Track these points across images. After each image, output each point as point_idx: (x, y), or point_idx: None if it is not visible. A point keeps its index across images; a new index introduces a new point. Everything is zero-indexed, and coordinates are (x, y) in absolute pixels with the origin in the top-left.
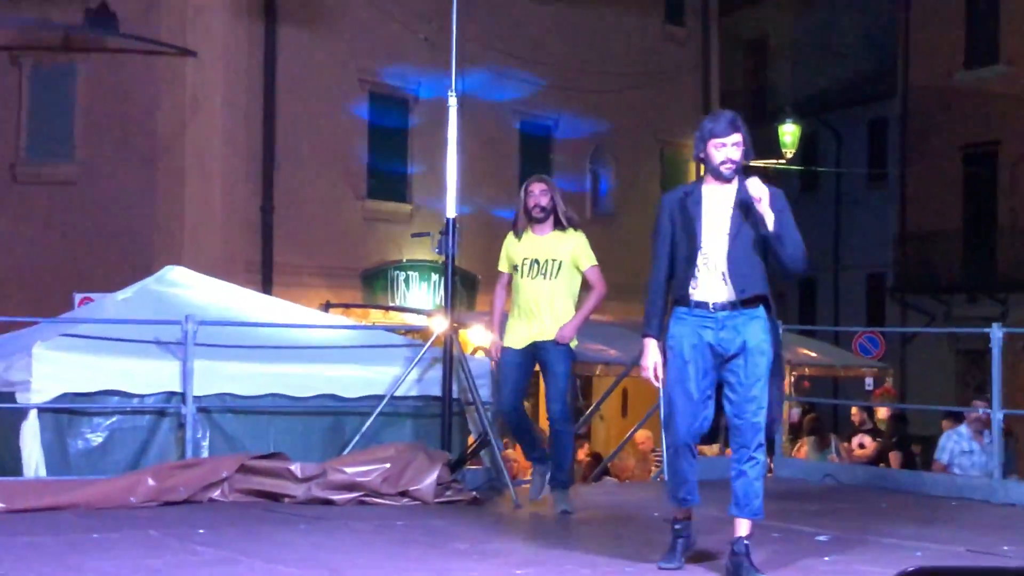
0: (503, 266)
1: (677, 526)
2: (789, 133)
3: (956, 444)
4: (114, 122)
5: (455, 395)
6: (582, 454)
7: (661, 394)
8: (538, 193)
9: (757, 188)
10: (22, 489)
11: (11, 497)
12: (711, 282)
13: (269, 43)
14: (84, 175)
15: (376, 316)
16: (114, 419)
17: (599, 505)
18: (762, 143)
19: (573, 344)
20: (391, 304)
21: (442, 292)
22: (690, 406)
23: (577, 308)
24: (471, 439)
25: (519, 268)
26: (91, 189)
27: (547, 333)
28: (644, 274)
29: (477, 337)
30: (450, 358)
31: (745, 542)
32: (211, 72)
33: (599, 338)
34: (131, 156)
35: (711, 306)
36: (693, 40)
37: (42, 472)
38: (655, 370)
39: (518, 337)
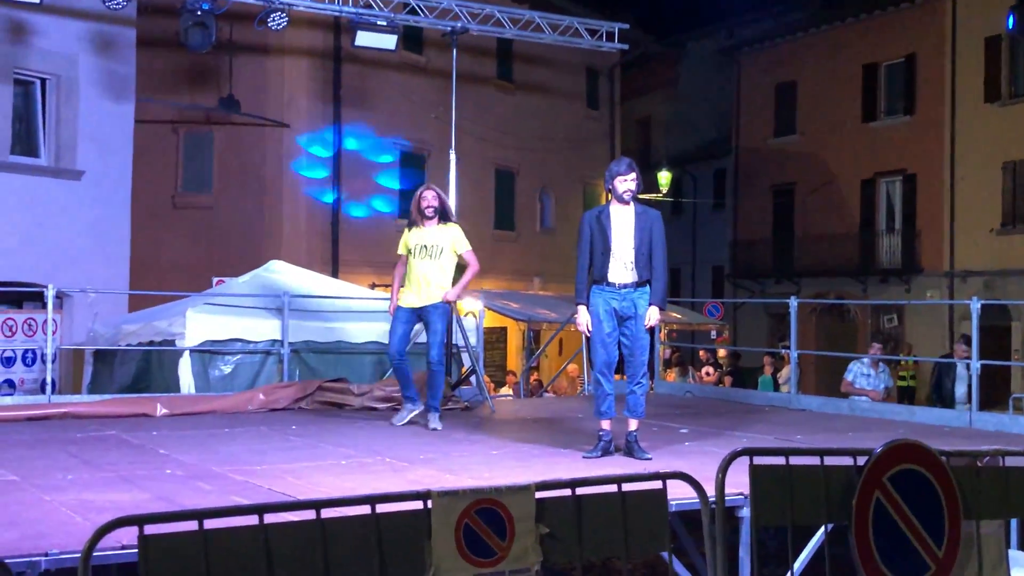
0: (401, 250)
1: (600, 432)
2: (664, 177)
3: (859, 370)
4: (237, 168)
5: (454, 342)
6: (533, 379)
7: (587, 341)
8: (430, 198)
9: (652, 319)
10: (180, 401)
11: (173, 405)
12: (618, 269)
13: (336, 117)
14: (218, 202)
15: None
16: (238, 357)
17: (544, 411)
18: (647, 183)
19: (463, 311)
20: None
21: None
22: (605, 348)
23: (455, 281)
24: (464, 369)
25: (413, 251)
26: (222, 211)
27: (432, 298)
28: (571, 265)
29: (467, 305)
30: (451, 319)
31: (635, 433)
32: (298, 136)
33: (545, 305)
34: (248, 190)
35: (617, 285)
36: (604, 119)
37: (192, 390)
38: (586, 326)
39: (409, 300)
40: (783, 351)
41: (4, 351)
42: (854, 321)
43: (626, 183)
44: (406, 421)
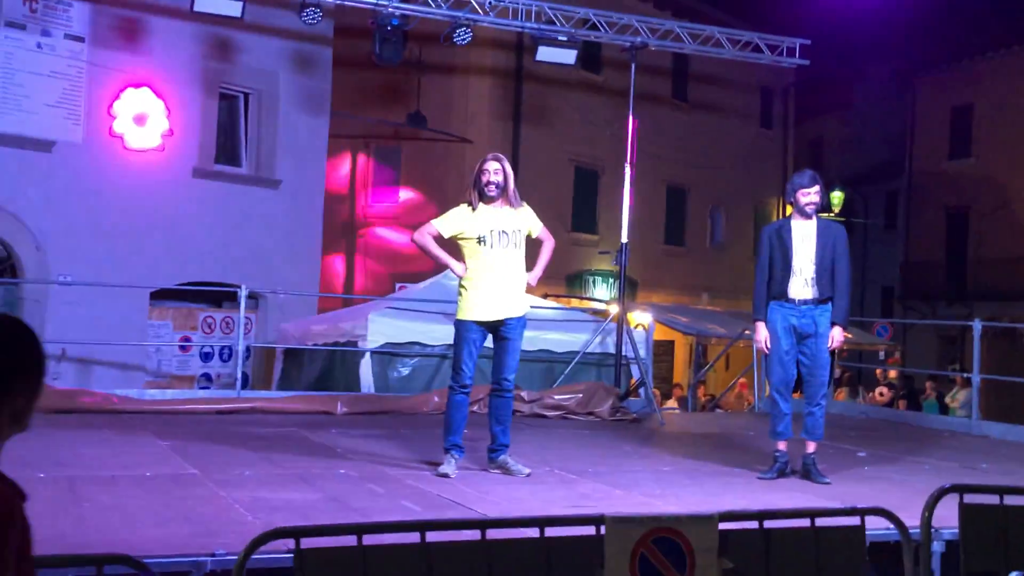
0: (445, 231)
1: (776, 452)
2: (836, 197)
3: None
4: (423, 182)
5: (623, 353)
6: (701, 393)
7: (764, 358)
8: (493, 170)
9: (835, 340)
10: (360, 400)
11: (353, 404)
12: (799, 285)
13: (516, 134)
14: (404, 214)
15: (574, 303)
16: (416, 359)
17: (713, 427)
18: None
19: (633, 322)
20: (583, 295)
21: (616, 289)
22: (783, 366)
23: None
24: (632, 381)
25: (482, 240)
26: (408, 222)
27: (516, 309)
28: (740, 281)
29: (638, 317)
30: (621, 330)
31: (813, 455)
32: (481, 152)
33: (714, 320)
34: (434, 202)
35: (798, 301)
36: (777, 138)
37: (372, 390)
38: (764, 342)
39: (483, 311)
40: (959, 374)
41: (203, 347)
42: None
43: (809, 196)
44: (455, 473)
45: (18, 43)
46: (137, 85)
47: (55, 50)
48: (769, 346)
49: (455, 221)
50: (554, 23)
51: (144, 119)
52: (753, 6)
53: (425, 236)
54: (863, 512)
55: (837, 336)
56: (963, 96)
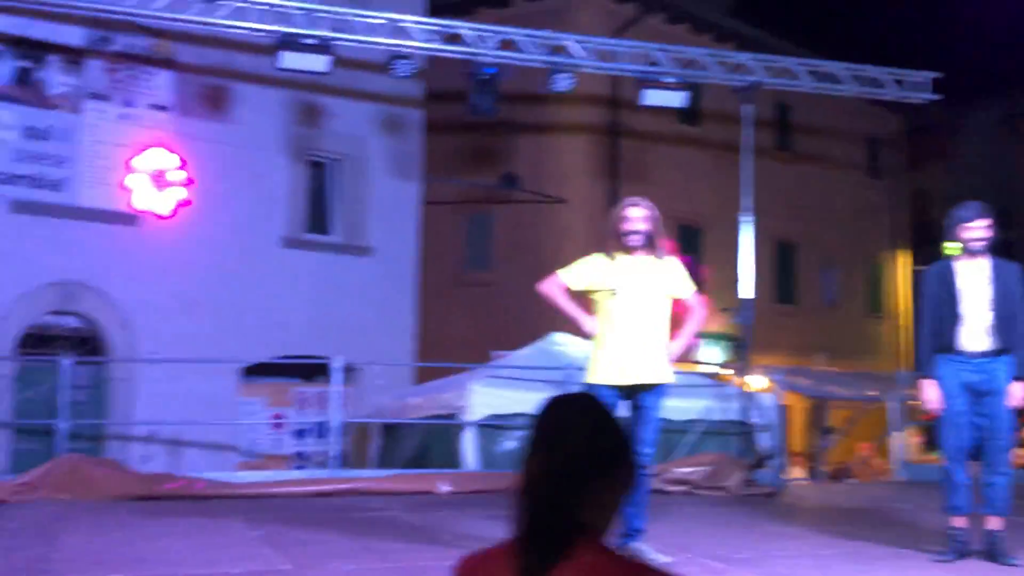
0: (575, 283)
1: (953, 530)
2: (952, 249)
3: None
4: (517, 246)
5: (749, 419)
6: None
7: (936, 421)
8: (638, 217)
9: (1016, 396)
10: (464, 478)
11: (457, 483)
12: (971, 335)
13: (612, 193)
14: (498, 279)
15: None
16: (523, 432)
17: (854, 499)
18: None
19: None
20: (693, 359)
21: (729, 351)
22: (957, 430)
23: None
24: (759, 451)
25: (618, 293)
26: (503, 288)
27: (654, 374)
28: (856, 340)
29: (755, 381)
30: (746, 395)
31: (998, 533)
32: (577, 212)
33: (834, 381)
34: (528, 267)
35: (971, 354)
36: (886, 189)
37: (476, 467)
38: (933, 402)
39: (616, 374)
40: None
41: (297, 424)
42: None
43: (974, 231)
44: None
45: (102, 114)
46: (223, 155)
47: (139, 120)
48: (941, 407)
49: (588, 272)
50: (657, 64)
51: (230, 189)
52: (824, 37)
53: (552, 287)
54: None
55: (1018, 392)
56: None
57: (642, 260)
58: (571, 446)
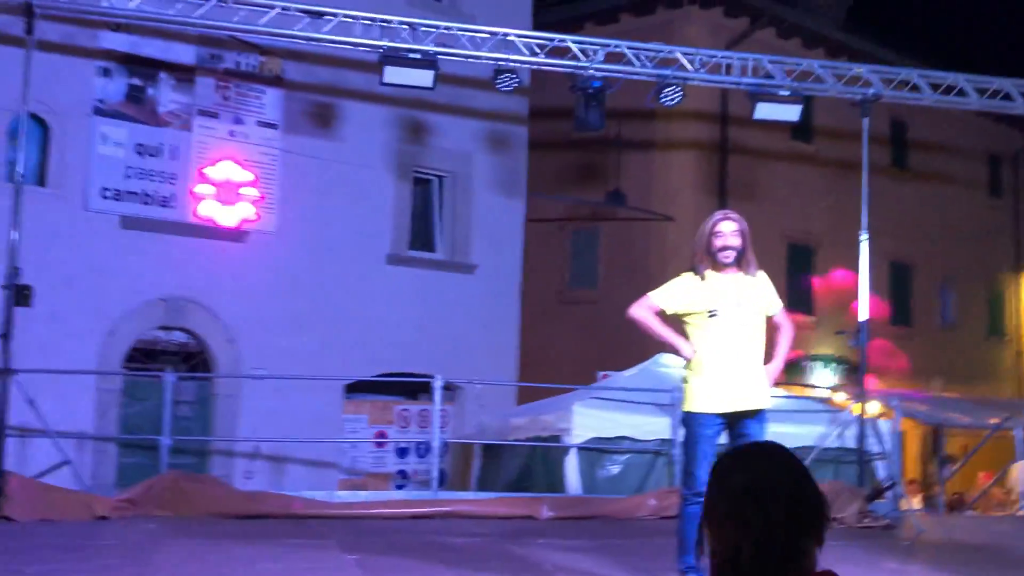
0: (668, 306)
1: None
2: None
3: None
4: (623, 263)
5: (865, 448)
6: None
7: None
8: (729, 231)
9: None
10: (566, 503)
11: (559, 507)
12: None
13: (721, 209)
14: (604, 297)
15: (795, 390)
16: (627, 456)
17: (980, 535)
18: None
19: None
20: (804, 383)
21: (838, 375)
22: None
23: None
24: (877, 480)
25: (717, 314)
26: (608, 306)
27: (758, 399)
28: (978, 365)
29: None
30: (863, 421)
31: None
32: (684, 231)
33: (954, 408)
34: (634, 285)
35: None
36: (1007, 208)
37: (578, 491)
38: None
39: (719, 401)
40: None
41: (399, 442)
42: None
43: None
44: None
45: (211, 131)
46: (330, 172)
47: (248, 137)
48: None
49: (680, 293)
50: (772, 76)
51: (337, 206)
52: (942, 51)
53: (644, 311)
54: None
55: None
56: None
57: (735, 278)
58: (776, 511)
